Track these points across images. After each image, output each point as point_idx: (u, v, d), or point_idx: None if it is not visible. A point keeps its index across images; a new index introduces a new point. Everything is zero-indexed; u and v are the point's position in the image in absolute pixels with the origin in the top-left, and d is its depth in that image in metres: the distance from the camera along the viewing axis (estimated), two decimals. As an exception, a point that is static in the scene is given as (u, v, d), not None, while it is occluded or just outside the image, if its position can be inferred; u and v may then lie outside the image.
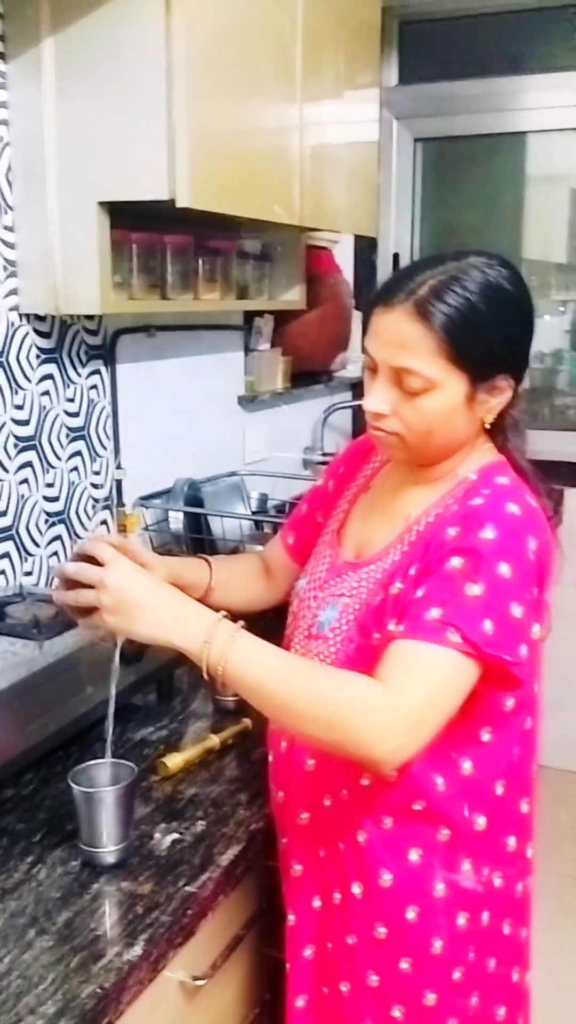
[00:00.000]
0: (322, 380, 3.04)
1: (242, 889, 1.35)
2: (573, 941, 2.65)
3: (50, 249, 1.71)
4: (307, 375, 2.95)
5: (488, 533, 1.12)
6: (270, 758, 1.37)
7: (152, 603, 1.12)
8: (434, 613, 1.10)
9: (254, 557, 1.58)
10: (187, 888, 1.20)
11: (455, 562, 1.12)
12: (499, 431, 1.26)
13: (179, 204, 1.62)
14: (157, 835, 1.31)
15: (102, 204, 1.67)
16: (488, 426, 1.23)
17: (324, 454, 3.07)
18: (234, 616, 1.14)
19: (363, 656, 1.21)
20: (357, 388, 3.04)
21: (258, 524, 2.38)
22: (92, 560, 1.15)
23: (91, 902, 1.17)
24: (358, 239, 3.23)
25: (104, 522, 2.09)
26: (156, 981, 1.13)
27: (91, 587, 1.14)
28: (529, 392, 3.52)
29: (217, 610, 1.14)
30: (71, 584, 1.16)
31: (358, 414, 2.95)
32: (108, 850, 1.23)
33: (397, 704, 1.08)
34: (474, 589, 1.10)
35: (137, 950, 1.09)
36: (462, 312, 1.14)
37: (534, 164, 3.45)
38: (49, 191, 1.69)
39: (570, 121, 3.23)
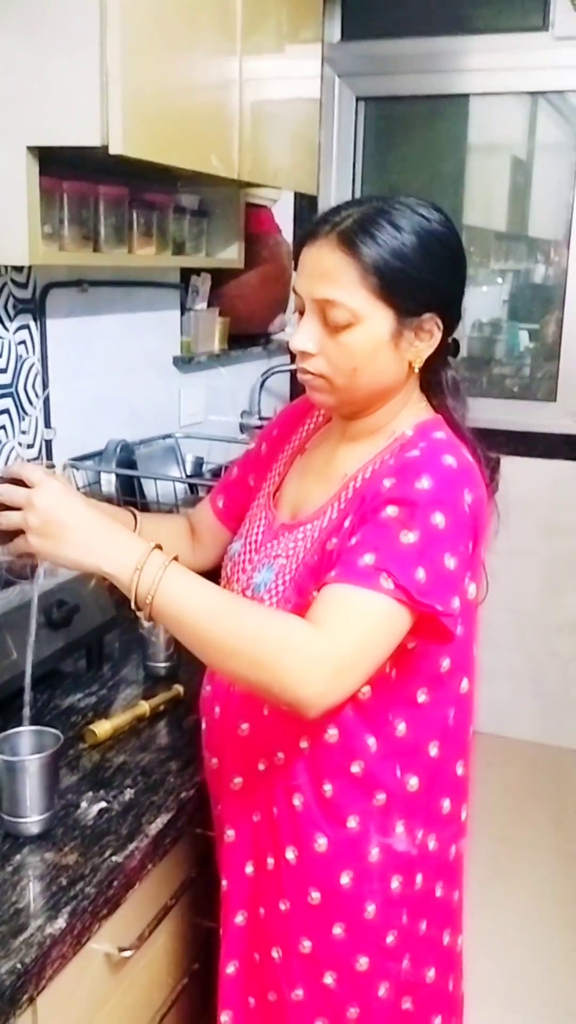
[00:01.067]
0: (260, 343, 2.99)
1: (171, 858, 1.32)
2: (504, 905, 2.68)
3: (-25, 196, 1.63)
4: (245, 337, 2.89)
5: (424, 483, 1.10)
6: (203, 725, 1.34)
7: (82, 526, 1.07)
8: (367, 559, 1.08)
9: (181, 518, 1.55)
10: (113, 858, 1.17)
11: (390, 511, 1.10)
12: (437, 391, 1.25)
13: (112, 151, 1.55)
14: (84, 804, 1.28)
15: (31, 149, 1.60)
16: (417, 371, 1.21)
17: (261, 418, 3.03)
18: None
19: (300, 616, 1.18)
20: (296, 351, 2.99)
21: (193, 488, 2.33)
22: (19, 484, 1.10)
23: (12, 874, 1.13)
24: (298, 199, 3.17)
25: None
26: (80, 954, 1.10)
27: (16, 510, 1.08)
28: (467, 361, 3.52)
29: None
30: None
31: (296, 378, 2.94)
32: (31, 820, 1.19)
33: (326, 646, 1.06)
34: (409, 537, 1.08)
35: (60, 923, 1.06)
36: (386, 243, 1.12)
37: (476, 131, 3.42)
38: (-26, 134, 1.61)
39: (513, 84, 3.20)
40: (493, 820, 2.95)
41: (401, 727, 1.20)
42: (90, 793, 1.30)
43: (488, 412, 3.22)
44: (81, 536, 1.07)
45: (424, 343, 1.18)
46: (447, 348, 1.23)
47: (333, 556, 1.15)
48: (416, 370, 1.20)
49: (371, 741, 1.18)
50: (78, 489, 2.13)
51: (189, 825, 1.34)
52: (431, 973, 1.30)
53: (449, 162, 3.48)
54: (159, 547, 1.08)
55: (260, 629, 1.08)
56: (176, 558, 1.09)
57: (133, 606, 1.06)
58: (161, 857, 1.26)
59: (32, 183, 1.62)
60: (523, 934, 2.60)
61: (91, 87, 1.54)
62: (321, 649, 1.06)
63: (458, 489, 1.12)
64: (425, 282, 1.15)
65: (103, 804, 1.28)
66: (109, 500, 2.14)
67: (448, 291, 1.20)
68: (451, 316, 1.20)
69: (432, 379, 1.24)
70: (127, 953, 1.22)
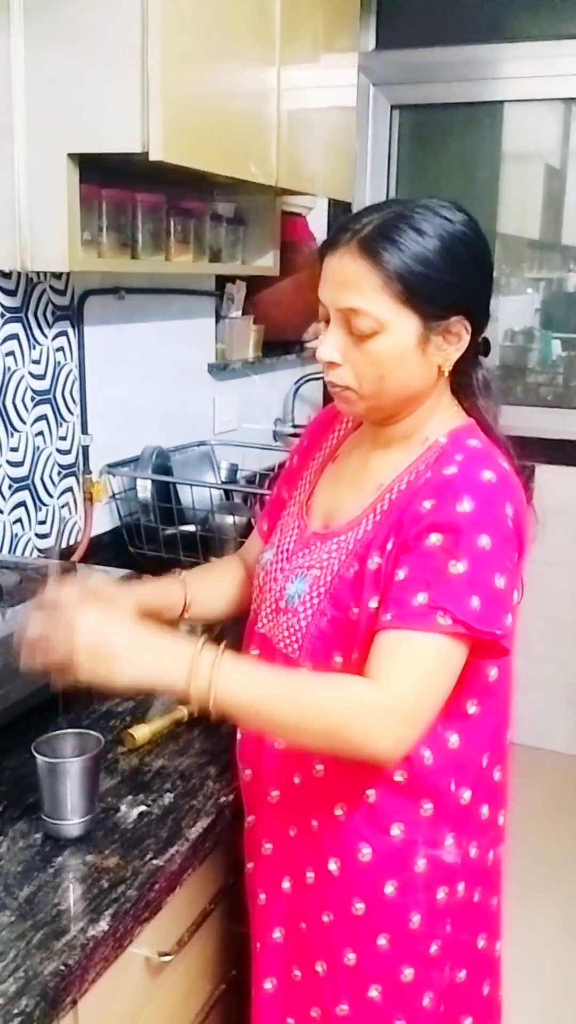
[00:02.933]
0: (294, 350, 2.99)
1: (210, 863, 1.32)
2: (540, 920, 2.65)
3: (16, 202, 1.64)
4: (279, 345, 2.89)
5: (465, 506, 1.09)
6: (238, 735, 1.33)
7: (128, 646, 1.08)
8: (421, 598, 1.07)
9: (232, 561, 1.51)
10: (154, 862, 1.16)
11: (434, 539, 1.09)
12: (468, 393, 1.23)
13: (152, 157, 1.56)
14: (123, 807, 1.27)
15: (72, 156, 1.61)
16: (447, 375, 1.18)
17: (295, 426, 3.03)
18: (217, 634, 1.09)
19: (338, 630, 1.17)
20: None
21: (227, 494, 2.33)
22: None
23: (54, 876, 1.13)
24: (332, 207, 3.17)
25: (70, 489, 2.04)
26: (121, 957, 1.10)
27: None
28: (501, 370, 3.50)
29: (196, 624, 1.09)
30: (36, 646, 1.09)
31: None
32: (72, 823, 1.19)
33: (389, 700, 1.07)
34: (458, 567, 1.07)
35: (102, 926, 1.05)
36: (408, 248, 1.10)
37: (510, 139, 3.41)
38: (16, 142, 1.62)
39: (548, 91, 3.19)
40: (529, 835, 2.90)
41: (453, 739, 1.18)
42: (129, 797, 1.30)
43: (523, 420, 3.20)
44: (129, 657, 1.07)
45: (452, 346, 1.16)
46: (477, 348, 1.20)
47: (377, 576, 1.14)
48: (445, 374, 1.18)
49: (427, 753, 1.17)
50: (114, 496, 2.14)
51: (227, 830, 1.33)
52: (462, 974, 1.29)
53: (483, 170, 3.47)
54: (213, 632, 1.07)
55: (322, 700, 1.09)
56: (226, 645, 1.09)
57: (196, 713, 1.07)
58: (201, 861, 1.26)
59: (72, 190, 1.63)
60: (560, 950, 2.57)
61: (132, 94, 1.55)
62: (385, 704, 1.07)
63: (500, 505, 1.11)
64: (450, 285, 1.13)
65: (143, 808, 1.28)
66: (144, 506, 2.15)
67: (474, 292, 1.17)
68: (479, 316, 1.17)
69: (463, 381, 1.22)
70: (167, 958, 1.21)
